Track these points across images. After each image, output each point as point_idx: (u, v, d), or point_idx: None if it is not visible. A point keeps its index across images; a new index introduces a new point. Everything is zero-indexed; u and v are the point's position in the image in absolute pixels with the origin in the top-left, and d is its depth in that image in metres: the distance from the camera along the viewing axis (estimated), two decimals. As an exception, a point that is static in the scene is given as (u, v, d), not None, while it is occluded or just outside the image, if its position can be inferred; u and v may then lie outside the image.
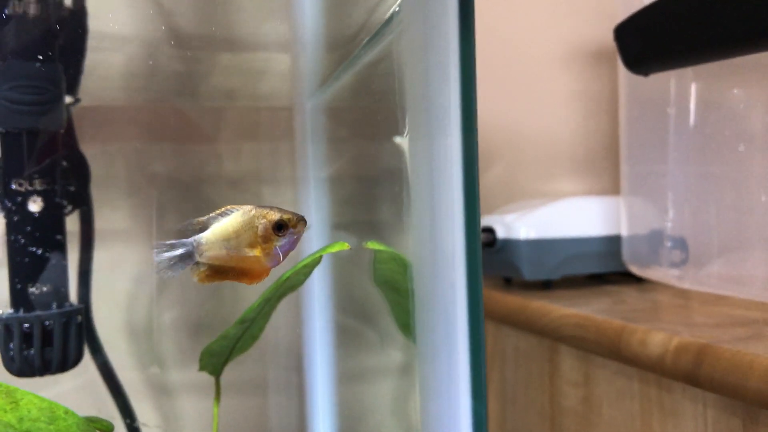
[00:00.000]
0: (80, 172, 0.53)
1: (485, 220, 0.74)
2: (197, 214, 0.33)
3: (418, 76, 0.33)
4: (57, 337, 0.48)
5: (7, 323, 0.47)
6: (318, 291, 0.62)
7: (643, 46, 0.61)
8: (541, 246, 0.70)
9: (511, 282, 0.77)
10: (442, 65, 0.32)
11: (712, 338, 0.45)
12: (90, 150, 0.54)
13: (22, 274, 0.48)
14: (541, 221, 0.70)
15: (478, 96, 0.33)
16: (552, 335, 0.60)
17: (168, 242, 0.32)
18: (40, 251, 0.48)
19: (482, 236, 0.73)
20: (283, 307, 0.48)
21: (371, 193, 0.60)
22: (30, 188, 0.47)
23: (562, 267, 0.71)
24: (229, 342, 0.46)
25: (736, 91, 0.60)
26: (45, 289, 0.48)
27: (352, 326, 0.64)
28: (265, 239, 0.32)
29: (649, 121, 0.68)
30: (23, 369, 0.47)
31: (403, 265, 0.42)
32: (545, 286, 0.72)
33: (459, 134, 0.33)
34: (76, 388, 0.56)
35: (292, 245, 0.33)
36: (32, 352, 0.47)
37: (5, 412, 0.34)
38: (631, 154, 0.72)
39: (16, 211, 0.47)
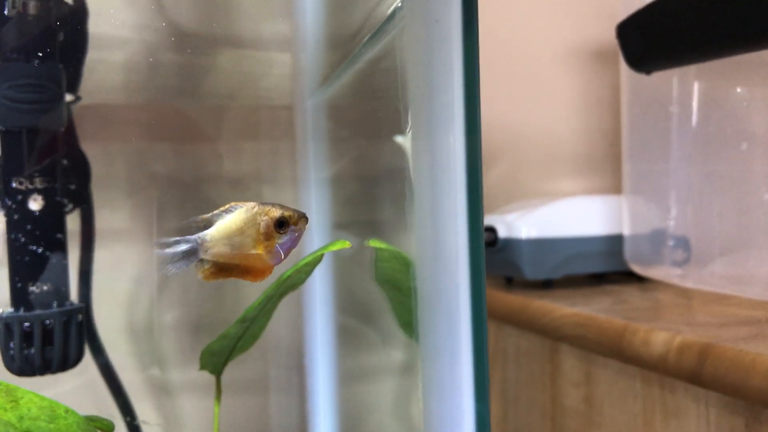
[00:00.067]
0: (81, 170, 0.53)
1: (486, 220, 0.74)
2: (198, 213, 0.33)
3: (421, 73, 0.33)
4: (57, 336, 0.47)
5: (8, 322, 0.46)
6: (319, 290, 0.62)
7: (645, 43, 0.61)
8: (543, 245, 0.70)
9: (512, 281, 0.77)
10: (445, 61, 0.32)
11: (715, 337, 0.45)
12: (91, 150, 0.54)
13: (22, 273, 0.47)
14: (543, 220, 0.70)
15: (480, 97, 0.33)
16: (553, 335, 0.60)
17: (172, 239, 0.32)
18: (40, 250, 0.47)
19: (483, 235, 0.73)
20: (285, 306, 0.48)
21: (373, 192, 0.60)
22: (30, 186, 0.47)
23: (564, 266, 0.71)
24: (230, 341, 0.46)
25: (738, 89, 0.60)
26: (45, 287, 0.48)
27: (353, 325, 0.64)
28: (267, 236, 0.32)
29: (652, 120, 0.68)
30: (24, 368, 0.47)
31: (404, 264, 0.42)
32: (546, 285, 0.72)
33: (462, 132, 0.33)
34: (76, 388, 0.55)
35: (294, 242, 0.33)
36: (33, 351, 0.47)
37: (5, 410, 0.34)
38: (633, 153, 0.72)
39: (17, 210, 0.47)
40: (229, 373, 0.49)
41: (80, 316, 0.49)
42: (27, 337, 0.47)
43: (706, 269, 0.63)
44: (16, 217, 0.47)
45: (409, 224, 0.36)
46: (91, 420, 0.40)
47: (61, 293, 0.49)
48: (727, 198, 0.61)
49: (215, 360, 0.47)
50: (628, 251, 0.72)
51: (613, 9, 0.72)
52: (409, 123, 0.35)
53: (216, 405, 0.49)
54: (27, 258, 0.47)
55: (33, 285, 0.47)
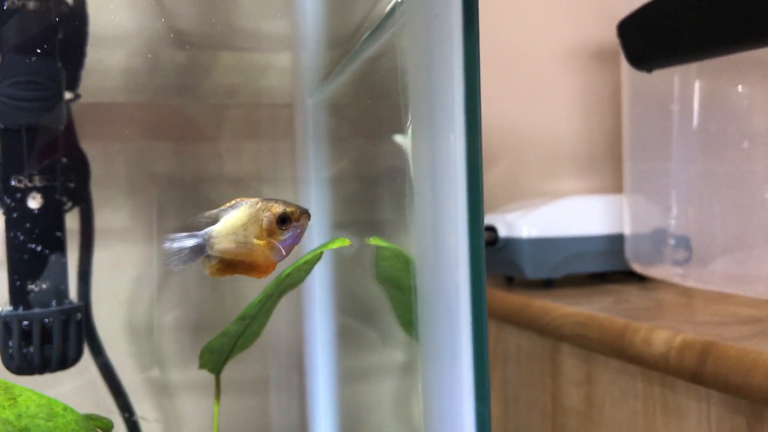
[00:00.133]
0: (80, 168, 0.53)
1: (487, 219, 0.74)
2: (198, 213, 0.33)
3: (421, 69, 0.33)
4: (56, 335, 0.47)
5: (7, 321, 0.46)
6: (319, 289, 0.62)
7: (646, 41, 0.61)
8: (543, 245, 0.70)
9: (512, 281, 0.77)
10: (446, 56, 0.32)
11: (716, 336, 0.45)
12: (91, 149, 0.54)
13: (21, 272, 0.47)
14: (543, 220, 0.70)
15: (480, 95, 0.33)
16: (554, 334, 0.60)
17: (180, 234, 0.32)
18: (39, 248, 0.47)
19: (484, 235, 0.72)
20: (285, 305, 0.48)
21: (373, 191, 0.60)
22: (29, 185, 0.47)
23: (564, 266, 0.71)
24: (230, 339, 0.46)
25: (739, 87, 0.60)
26: (44, 286, 0.48)
27: (353, 325, 0.64)
28: (270, 232, 0.32)
29: (652, 119, 0.68)
30: (22, 367, 0.47)
31: (405, 262, 0.42)
32: (547, 285, 0.72)
33: (463, 130, 0.33)
34: (76, 389, 0.55)
35: (296, 239, 0.33)
36: (32, 349, 0.46)
37: (3, 408, 0.34)
38: (634, 152, 0.72)
39: (16, 208, 0.47)
40: (229, 372, 0.49)
41: (79, 315, 0.49)
42: (26, 335, 0.47)
43: (707, 268, 0.62)
44: (15, 215, 0.47)
45: (409, 224, 0.36)
46: (90, 418, 0.40)
47: (60, 292, 0.49)
48: (728, 197, 0.61)
49: (215, 358, 0.47)
50: (628, 250, 0.71)
51: (614, 8, 0.72)
52: (409, 121, 0.35)
53: (215, 404, 0.49)
54: (26, 256, 0.47)
55: (32, 283, 0.47)
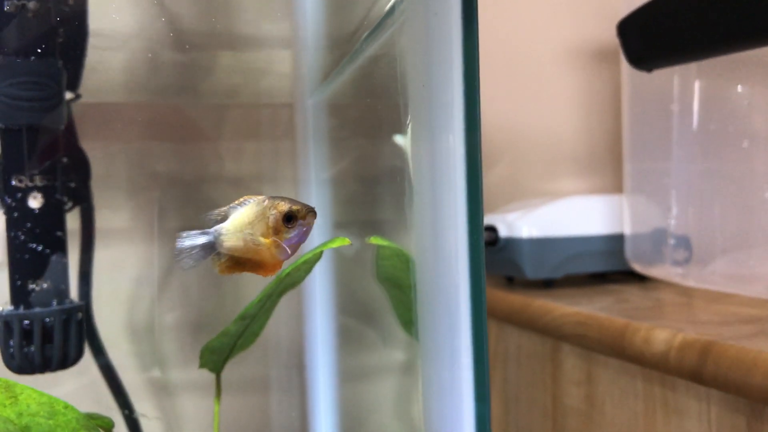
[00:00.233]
0: (81, 168, 0.53)
1: (487, 219, 0.74)
2: (198, 213, 0.33)
3: (421, 67, 0.33)
4: (57, 334, 0.47)
5: (7, 320, 0.46)
6: (320, 289, 0.62)
7: (646, 41, 0.61)
8: (544, 245, 0.70)
9: (513, 281, 0.77)
10: (445, 56, 0.32)
11: (717, 336, 0.45)
12: (91, 149, 0.54)
13: (22, 271, 0.47)
14: (544, 220, 0.70)
15: (480, 95, 0.33)
16: (554, 334, 0.60)
17: (191, 232, 0.32)
18: (40, 248, 0.47)
19: (484, 235, 0.73)
20: (285, 304, 0.48)
21: (373, 191, 0.60)
22: (30, 184, 0.47)
23: (565, 266, 0.71)
24: (230, 339, 0.46)
25: (740, 88, 0.60)
26: (45, 285, 0.48)
27: (353, 324, 0.64)
28: (276, 230, 0.32)
29: (652, 119, 0.68)
30: (23, 366, 0.47)
31: (405, 262, 0.42)
32: (547, 284, 0.72)
33: (462, 130, 0.33)
34: (77, 389, 0.55)
35: (302, 237, 0.33)
36: (32, 349, 0.47)
37: (4, 407, 0.34)
38: (634, 152, 0.72)
39: (16, 208, 0.47)
40: (229, 372, 0.49)
41: (80, 315, 0.49)
42: (27, 335, 0.47)
43: (708, 268, 0.62)
44: (16, 215, 0.47)
45: (409, 224, 0.36)
46: (91, 417, 0.40)
47: (61, 291, 0.49)
48: (728, 196, 0.61)
49: (215, 358, 0.47)
50: (629, 250, 0.71)
51: (614, 8, 0.72)
52: (409, 121, 0.35)
53: (216, 404, 0.49)
54: (27, 256, 0.47)
55: (33, 283, 0.47)
